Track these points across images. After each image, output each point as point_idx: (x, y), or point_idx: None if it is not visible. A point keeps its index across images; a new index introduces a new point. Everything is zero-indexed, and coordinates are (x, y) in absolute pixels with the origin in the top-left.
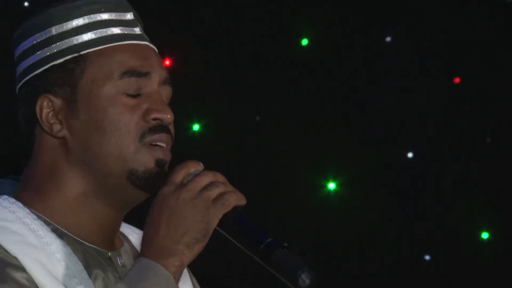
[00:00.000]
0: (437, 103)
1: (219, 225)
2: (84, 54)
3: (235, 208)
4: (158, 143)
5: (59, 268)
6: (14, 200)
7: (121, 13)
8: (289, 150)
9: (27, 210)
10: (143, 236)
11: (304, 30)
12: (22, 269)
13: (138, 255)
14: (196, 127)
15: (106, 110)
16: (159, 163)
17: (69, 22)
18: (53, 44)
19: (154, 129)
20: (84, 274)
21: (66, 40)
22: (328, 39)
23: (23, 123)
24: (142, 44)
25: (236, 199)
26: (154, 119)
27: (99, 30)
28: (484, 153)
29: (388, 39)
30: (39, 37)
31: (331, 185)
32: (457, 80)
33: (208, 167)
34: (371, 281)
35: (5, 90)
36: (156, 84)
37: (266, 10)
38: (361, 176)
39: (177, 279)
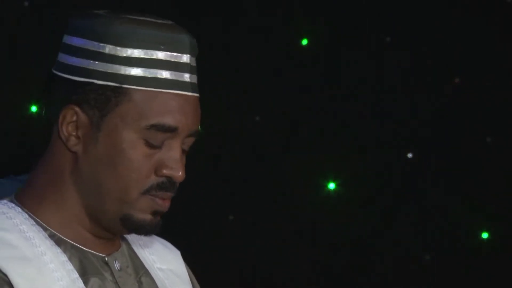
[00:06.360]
0: (437, 103)
1: None
2: (125, 87)
3: None
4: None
5: (51, 280)
6: (13, 204)
7: (177, 54)
8: (289, 150)
9: (25, 215)
10: None
11: (304, 30)
12: (10, 285)
13: (134, 255)
14: None
15: (124, 152)
16: (154, 213)
17: (124, 49)
18: (101, 61)
19: (161, 186)
20: (79, 282)
21: (115, 66)
22: (328, 39)
23: (46, 116)
24: (184, 96)
25: None
26: (165, 175)
27: (149, 69)
28: (484, 153)
29: (388, 39)
30: (90, 45)
31: (331, 185)
32: (457, 80)
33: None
34: (371, 281)
35: (6, 89)
36: (180, 139)
37: (266, 10)
38: (361, 176)
39: None
